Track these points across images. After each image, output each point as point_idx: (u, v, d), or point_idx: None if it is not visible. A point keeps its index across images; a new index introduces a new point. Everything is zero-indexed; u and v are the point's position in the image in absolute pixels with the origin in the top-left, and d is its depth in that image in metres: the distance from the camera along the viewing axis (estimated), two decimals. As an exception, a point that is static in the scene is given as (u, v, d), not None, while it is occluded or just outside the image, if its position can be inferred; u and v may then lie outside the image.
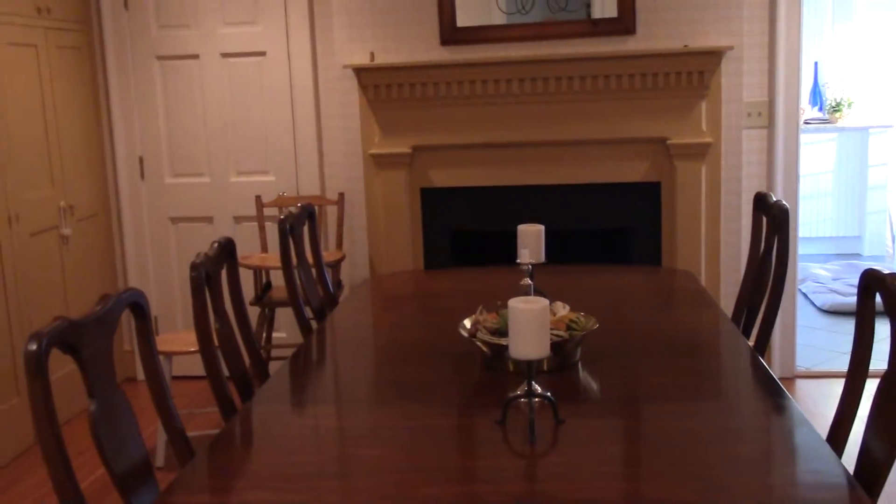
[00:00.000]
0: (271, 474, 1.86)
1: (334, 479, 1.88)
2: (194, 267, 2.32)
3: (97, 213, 4.82)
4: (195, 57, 4.79)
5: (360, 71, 4.49)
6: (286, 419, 2.24)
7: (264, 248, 4.64)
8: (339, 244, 4.62)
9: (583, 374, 2.42)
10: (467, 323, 2.53)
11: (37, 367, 1.64)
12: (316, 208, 3.48)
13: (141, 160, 4.92)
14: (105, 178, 4.91)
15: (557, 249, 3.34)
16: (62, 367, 4.40)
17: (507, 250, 4.64)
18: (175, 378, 4.42)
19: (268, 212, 4.70)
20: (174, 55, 4.81)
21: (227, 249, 2.59)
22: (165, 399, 2.07)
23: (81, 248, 4.64)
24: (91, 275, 4.74)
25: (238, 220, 4.89)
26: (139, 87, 4.85)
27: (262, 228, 4.66)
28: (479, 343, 2.44)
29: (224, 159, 4.86)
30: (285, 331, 4.84)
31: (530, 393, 1.98)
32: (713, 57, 4.27)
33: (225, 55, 4.77)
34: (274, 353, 4.63)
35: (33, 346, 1.64)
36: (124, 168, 4.91)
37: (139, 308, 2.03)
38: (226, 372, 2.45)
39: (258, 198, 4.67)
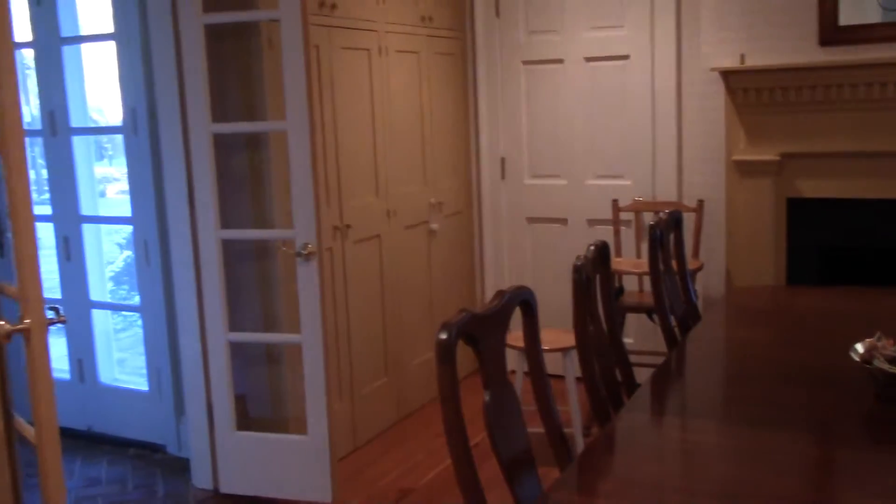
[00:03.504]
0: (639, 483, 1.84)
1: (690, 496, 1.82)
2: (577, 269, 2.35)
3: (461, 210, 5.11)
4: (559, 61, 4.90)
5: (728, 74, 4.33)
6: (653, 430, 2.23)
7: (618, 253, 4.63)
8: (696, 253, 4.48)
9: None
10: (860, 347, 2.33)
11: (446, 355, 1.74)
12: (682, 215, 3.40)
13: (503, 161, 5.13)
14: (469, 178, 5.18)
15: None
16: (420, 355, 4.73)
17: (884, 270, 4.25)
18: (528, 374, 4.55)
19: (623, 216, 4.69)
20: (540, 60, 4.96)
21: (602, 253, 2.60)
22: (547, 396, 2.12)
23: (446, 242, 4.95)
24: (452, 267, 5.03)
25: (591, 223, 4.93)
26: (505, 91, 5.06)
27: (616, 233, 4.66)
28: (872, 371, 2.24)
29: (581, 162, 4.92)
30: (633, 336, 4.80)
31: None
32: None
33: (588, 59, 4.83)
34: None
35: (444, 336, 1.75)
36: (487, 168, 5.15)
37: (528, 306, 2.10)
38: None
39: (615, 202, 4.68)
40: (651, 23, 4.63)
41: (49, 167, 4.44)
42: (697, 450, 2.12)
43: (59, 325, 2.38)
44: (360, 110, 4.19)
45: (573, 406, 3.88)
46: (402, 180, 4.53)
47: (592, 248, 2.56)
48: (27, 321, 2.25)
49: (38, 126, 4.45)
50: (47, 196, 4.48)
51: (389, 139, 4.41)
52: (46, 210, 4.45)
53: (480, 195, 5.20)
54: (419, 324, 4.74)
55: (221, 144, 3.61)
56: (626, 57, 4.74)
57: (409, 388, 4.65)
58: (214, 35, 3.55)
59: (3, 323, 2.30)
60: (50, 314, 2.32)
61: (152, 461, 4.18)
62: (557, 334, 3.87)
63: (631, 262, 4.46)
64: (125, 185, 4.32)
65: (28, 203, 2.24)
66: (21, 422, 2.64)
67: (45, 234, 4.56)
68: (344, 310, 4.10)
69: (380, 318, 4.39)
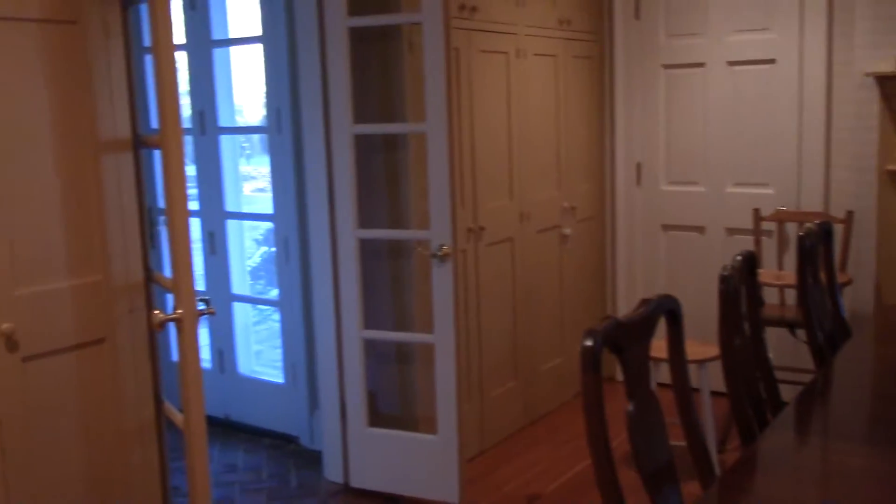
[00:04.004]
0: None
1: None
2: (724, 279, 2.28)
3: (594, 215, 5.04)
4: (701, 65, 4.77)
5: (884, 79, 4.11)
6: (799, 451, 2.15)
7: (759, 264, 4.45)
8: (843, 266, 4.28)
9: None
10: None
11: (592, 362, 1.71)
12: (833, 227, 3.24)
13: (639, 166, 5.03)
14: (603, 183, 5.11)
15: None
16: (550, 360, 4.69)
17: None
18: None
19: (764, 226, 4.53)
20: (680, 63, 4.84)
21: (750, 264, 2.51)
22: (691, 409, 2.06)
23: (577, 247, 4.89)
24: (583, 273, 4.97)
25: (730, 231, 4.78)
26: (643, 95, 4.97)
27: (757, 243, 4.49)
28: None
29: (721, 169, 4.77)
30: (772, 351, 4.60)
31: None
32: None
33: (731, 63, 4.68)
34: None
35: (589, 343, 1.72)
36: (622, 173, 5.07)
37: (674, 316, 2.04)
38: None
39: (756, 211, 4.51)
40: (800, 25, 4.45)
41: (197, 165, 4.64)
42: (843, 472, 2.02)
43: (208, 316, 2.48)
44: (497, 113, 4.19)
45: (707, 420, 3.77)
46: (535, 184, 4.50)
47: (739, 258, 2.47)
48: (180, 311, 2.34)
49: (188, 125, 4.65)
50: (195, 192, 4.67)
51: (524, 142, 4.39)
52: (194, 206, 4.65)
53: (614, 201, 5.11)
54: (549, 328, 4.70)
55: (361, 145, 3.68)
56: (771, 61, 4.56)
57: (538, 392, 4.62)
58: (357, 38, 3.62)
59: (157, 312, 2.41)
60: (200, 305, 2.41)
61: (286, 452, 4.30)
62: (693, 346, 3.76)
63: (773, 273, 4.30)
64: (261, 184, 4.47)
65: (184, 199, 2.34)
66: (170, 407, 2.76)
67: (192, 229, 4.76)
68: (475, 311, 4.11)
69: (510, 321, 4.38)
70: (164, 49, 2.28)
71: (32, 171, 2.39)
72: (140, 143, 2.70)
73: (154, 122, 4.61)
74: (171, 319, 2.36)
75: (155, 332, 2.59)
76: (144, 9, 2.57)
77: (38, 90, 2.40)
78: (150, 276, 2.77)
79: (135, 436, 2.69)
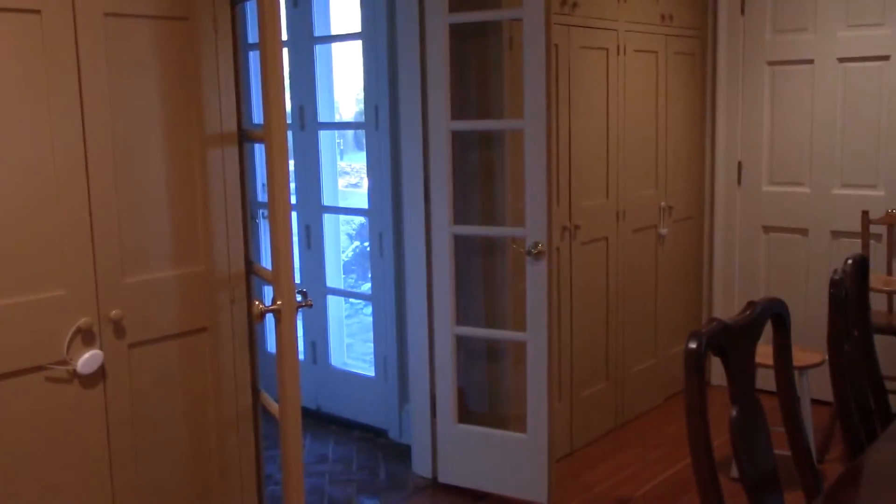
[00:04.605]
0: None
1: None
2: (835, 284, 2.19)
3: (692, 215, 4.93)
4: (809, 62, 4.61)
5: None
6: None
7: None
8: (958, 273, 4.08)
9: None
10: None
11: (696, 364, 1.66)
12: (950, 231, 3.09)
13: (740, 165, 4.90)
14: (702, 182, 4.99)
15: None
16: (642, 362, 4.61)
17: None
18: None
19: (873, 229, 4.35)
20: (787, 60, 4.69)
21: (861, 268, 2.41)
22: (798, 417, 1.98)
23: (674, 247, 4.79)
24: (679, 274, 4.87)
25: (836, 234, 4.61)
26: (746, 92, 4.83)
27: (865, 246, 4.32)
28: None
29: (828, 169, 4.60)
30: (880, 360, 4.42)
31: None
32: None
33: (842, 60, 4.51)
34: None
35: (693, 345, 1.67)
36: (722, 173, 4.94)
37: (781, 320, 1.97)
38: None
39: (865, 213, 4.33)
40: (917, 20, 4.26)
41: (296, 159, 4.72)
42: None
43: (306, 308, 2.51)
44: (595, 110, 4.13)
45: (807, 429, 3.64)
46: (633, 182, 4.43)
47: (850, 261, 2.37)
48: (279, 303, 2.38)
49: (288, 120, 4.73)
50: (293, 186, 4.76)
51: (623, 140, 4.32)
52: (292, 200, 4.74)
53: (713, 201, 4.99)
54: (642, 330, 4.62)
55: (457, 141, 3.68)
56: (885, 58, 4.38)
57: (629, 394, 4.55)
58: (456, 34, 3.62)
59: (257, 303, 2.45)
60: (298, 298, 2.45)
61: (375, 444, 4.34)
62: (794, 352, 3.64)
63: (882, 278, 4.12)
64: (354, 179, 4.51)
65: (287, 193, 2.37)
66: (266, 397, 2.82)
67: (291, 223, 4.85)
68: (568, 310, 4.07)
69: (603, 322, 4.32)
70: (270, 45, 2.32)
71: (142, 163, 2.47)
72: (245, 138, 2.76)
73: (256, 118, 4.71)
74: (271, 310, 2.40)
75: (255, 322, 2.64)
76: (251, 6, 2.62)
77: (150, 84, 2.47)
78: (251, 267, 2.82)
79: (232, 423, 2.75)
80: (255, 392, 2.86)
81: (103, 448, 2.41)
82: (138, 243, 2.47)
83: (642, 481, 3.87)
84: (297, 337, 2.46)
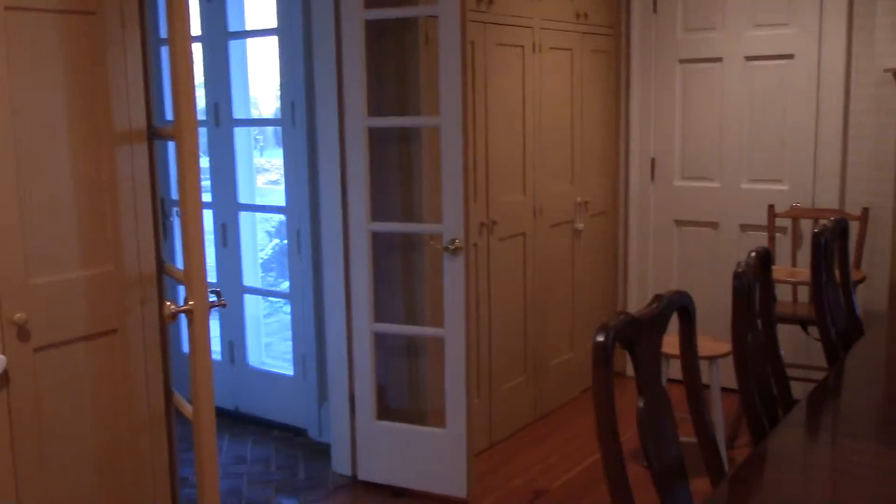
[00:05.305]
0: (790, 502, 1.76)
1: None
2: (738, 276, 2.26)
3: (608, 210, 5.02)
4: (718, 60, 4.74)
5: (903, 76, 4.07)
6: (809, 449, 2.16)
7: (772, 260, 4.43)
8: (858, 264, 4.25)
9: None
10: None
11: (603, 358, 1.70)
12: (848, 224, 3.22)
13: (653, 161, 5.01)
14: (617, 178, 5.09)
15: None
16: (560, 355, 4.68)
17: None
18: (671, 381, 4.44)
19: (779, 222, 4.50)
20: (697, 58, 4.81)
21: (764, 260, 2.49)
22: (702, 405, 2.04)
23: (590, 242, 4.87)
24: (596, 268, 4.96)
25: (744, 228, 4.75)
26: (659, 89, 4.94)
27: (771, 240, 4.47)
28: None
29: (736, 165, 4.74)
30: (784, 348, 4.57)
31: None
32: None
33: (749, 58, 4.65)
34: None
35: (601, 338, 1.71)
36: (636, 168, 5.05)
37: (686, 312, 2.03)
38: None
39: (771, 207, 4.48)
40: (819, 21, 4.41)
41: (211, 156, 4.64)
42: (854, 472, 2.01)
43: (219, 308, 2.48)
44: (512, 107, 4.17)
45: (717, 417, 3.75)
46: (549, 178, 4.49)
47: (754, 254, 2.45)
48: (191, 303, 2.35)
49: (203, 117, 4.66)
50: (208, 184, 4.68)
51: (539, 137, 4.38)
52: (207, 197, 4.66)
53: (628, 196, 5.09)
54: (560, 323, 4.69)
55: (374, 138, 3.67)
56: (790, 56, 4.53)
57: (548, 387, 4.61)
58: (372, 31, 3.61)
59: (169, 303, 2.41)
60: (212, 297, 2.42)
61: (294, 444, 4.31)
62: (705, 342, 3.76)
63: (786, 270, 4.27)
64: (274, 176, 4.47)
65: (198, 191, 2.34)
66: (180, 399, 2.77)
67: (205, 221, 4.76)
68: (486, 306, 4.11)
69: (521, 316, 4.37)
70: (179, 40, 2.28)
71: (48, 161, 2.40)
72: (154, 135, 2.71)
73: (169, 114, 4.62)
74: (183, 311, 2.36)
75: (166, 323, 2.60)
76: (162, 0, 2.57)
77: (56, 80, 2.41)
78: (162, 267, 2.77)
79: (145, 426, 2.70)
80: (168, 394, 2.81)
81: (6, 457, 2.33)
82: (44, 243, 2.40)
83: (560, 473, 3.93)
84: (209, 337, 2.43)
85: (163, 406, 2.76)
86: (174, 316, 2.39)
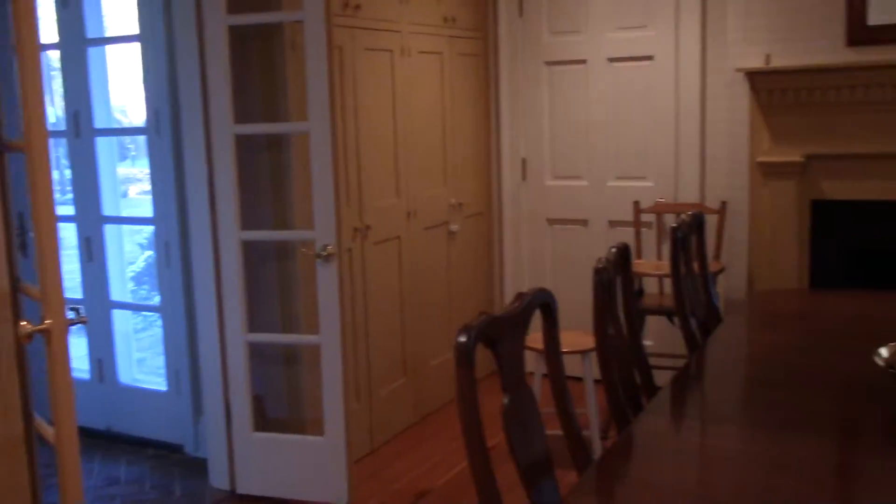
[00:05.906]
0: (658, 488, 1.82)
1: (710, 502, 1.81)
2: (598, 271, 2.33)
3: (481, 210, 5.10)
4: (582, 62, 4.88)
5: (753, 75, 4.29)
6: (673, 434, 2.24)
7: (639, 255, 4.60)
8: (718, 255, 4.45)
9: None
10: (884, 352, 2.29)
11: (466, 358, 1.72)
12: (705, 217, 3.37)
13: (524, 162, 5.11)
14: (490, 178, 5.17)
15: None
16: (439, 356, 4.72)
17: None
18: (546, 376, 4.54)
19: (644, 217, 4.66)
20: (562, 60, 4.94)
21: (624, 255, 2.58)
22: (566, 399, 2.10)
23: (465, 243, 4.93)
24: (472, 268, 5.02)
25: (612, 224, 4.90)
26: (527, 92, 5.05)
27: (637, 235, 4.63)
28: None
29: (603, 163, 4.89)
30: (653, 339, 4.76)
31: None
32: None
33: (612, 60, 4.80)
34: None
35: (463, 339, 1.73)
36: (508, 169, 5.14)
37: (548, 309, 2.08)
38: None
39: (636, 203, 4.64)
40: (676, 23, 4.60)
41: (73, 168, 4.47)
42: (718, 455, 2.10)
43: (80, 325, 2.39)
44: (382, 111, 4.18)
45: (591, 409, 3.86)
46: (422, 181, 4.52)
47: (614, 250, 2.54)
48: (48, 322, 2.25)
49: (62, 127, 4.48)
50: (70, 196, 4.50)
51: (411, 140, 4.40)
52: (69, 210, 4.48)
53: (501, 196, 5.18)
54: (438, 325, 4.73)
55: (243, 145, 3.61)
56: (650, 58, 4.71)
57: (428, 389, 4.64)
58: (238, 36, 3.56)
59: (24, 323, 2.31)
60: (71, 314, 2.32)
61: (170, 461, 4.19)
62: (577, 336, 3.85)
63: (652, 263, 4.43)
64: (147, 186, 4.34)
65: (50, 204, 2.25)
66: (41, 422, 2.66)
67: (68, 235, 4.59)
68: (363, 311, 4.10)
69: (398, 320, 4.39)
70: (28, 46, 2.19)
71: None
72: (4, 148, 2.59)
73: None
74: (39, 331, 2.26)
75: (23, 343, 2.48)
76: (9, 5, 2.46)
77: None
78: (17, 285, 2.65)
79: (3, 452, 2.57)
80: (28, 417, 2.69)
81: None
82: None
83: (443, 472, 3.96)
84: (69, 356, 2.33)
85: (22, 431, 2.63)
86: (30, 336, 2.29)
